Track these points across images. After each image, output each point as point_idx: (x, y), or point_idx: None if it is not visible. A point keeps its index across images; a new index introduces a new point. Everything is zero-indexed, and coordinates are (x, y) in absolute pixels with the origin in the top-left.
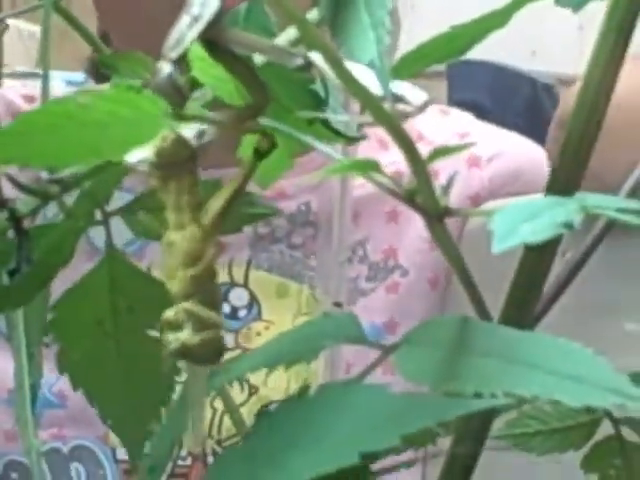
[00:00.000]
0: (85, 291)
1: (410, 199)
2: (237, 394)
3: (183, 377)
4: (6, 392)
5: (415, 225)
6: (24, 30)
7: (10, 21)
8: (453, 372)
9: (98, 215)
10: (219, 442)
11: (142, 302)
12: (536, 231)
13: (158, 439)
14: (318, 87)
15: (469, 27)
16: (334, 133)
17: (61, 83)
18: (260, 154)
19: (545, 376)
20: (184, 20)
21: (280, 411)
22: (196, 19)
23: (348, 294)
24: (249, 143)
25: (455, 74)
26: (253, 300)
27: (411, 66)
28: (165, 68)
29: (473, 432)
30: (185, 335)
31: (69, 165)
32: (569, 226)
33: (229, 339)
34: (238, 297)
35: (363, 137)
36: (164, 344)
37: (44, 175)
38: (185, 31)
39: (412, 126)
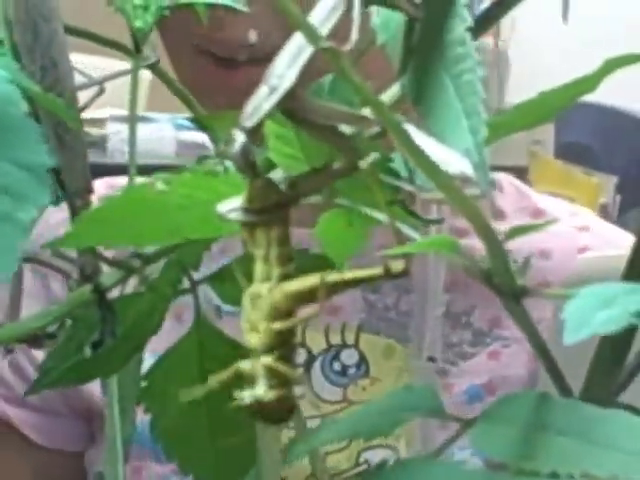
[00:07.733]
0: (175, 359)
1: (487, 279)
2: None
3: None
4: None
5: None
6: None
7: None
8: (530, 450)
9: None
10: None
11: None
12: (610, 321)
13: None
14: (398, 162)
15: (558, 92)
16: (410, 214)
17: (170, 126)
18: None
19: (625, 457)
20: (262, 91)
21: None
22: (273, 90)
23: (451, 357)
24: (327, 221)
25: (563, 116)
26: (362, 360)
27: (497, 133)
28: (239, 137)
29: None
30: (260, 391)
31: (151, 245)
32: None
33: (337, 393)
34: (349, 357)
35: (440, 221)
36: (237, 399)
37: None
38: (262, 102)
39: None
